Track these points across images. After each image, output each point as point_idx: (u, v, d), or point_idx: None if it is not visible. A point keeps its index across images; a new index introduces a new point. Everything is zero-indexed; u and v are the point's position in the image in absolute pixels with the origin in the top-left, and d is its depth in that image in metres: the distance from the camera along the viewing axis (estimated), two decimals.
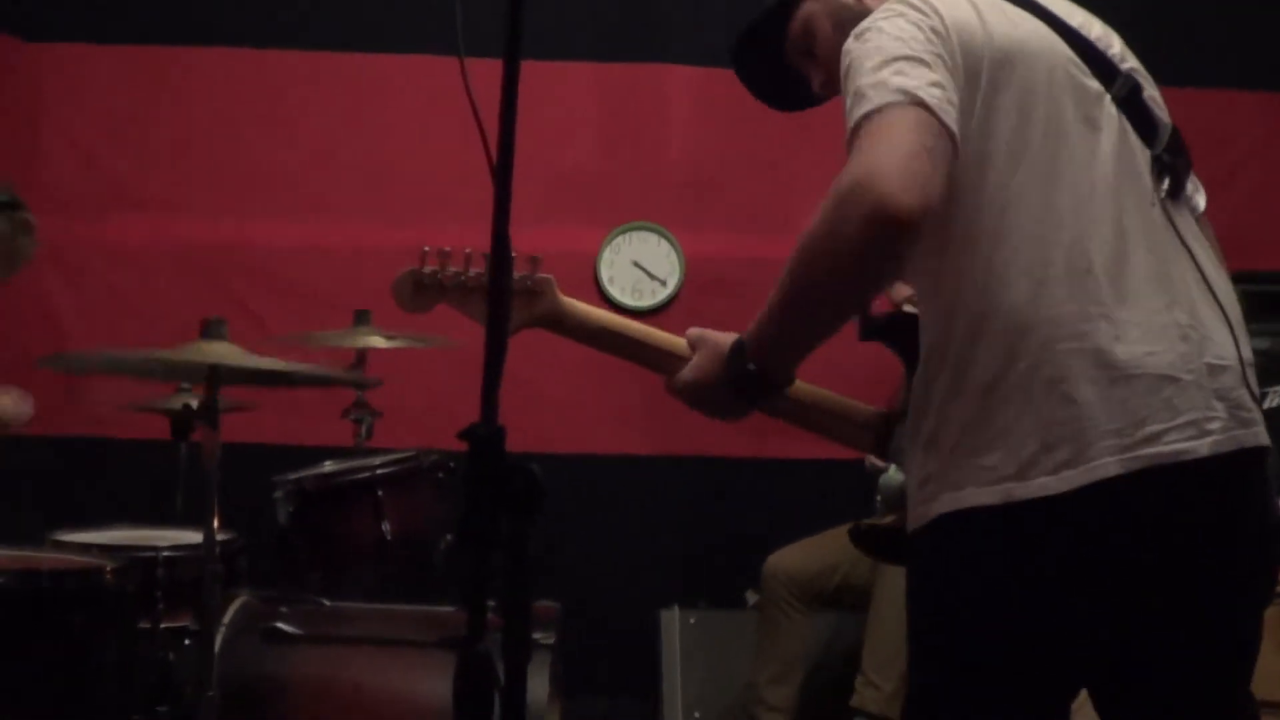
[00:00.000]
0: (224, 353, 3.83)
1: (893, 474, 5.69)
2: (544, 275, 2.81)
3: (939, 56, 2.32)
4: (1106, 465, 2.26)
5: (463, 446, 1.96)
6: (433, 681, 3.82)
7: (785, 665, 5.50)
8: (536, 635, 3.82)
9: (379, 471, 4.87)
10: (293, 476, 4.90)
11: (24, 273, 5.57)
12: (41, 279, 6.20)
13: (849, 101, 2.33)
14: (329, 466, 4.99)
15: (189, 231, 6.28)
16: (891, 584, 5.30)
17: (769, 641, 5.53)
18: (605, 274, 6.37)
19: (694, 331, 2.72)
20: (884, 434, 2.78)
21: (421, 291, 2.84)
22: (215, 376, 3.83)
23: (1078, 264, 2.33)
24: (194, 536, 4.24)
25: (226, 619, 4.03)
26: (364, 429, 5.24)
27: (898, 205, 2.13)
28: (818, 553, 5.59)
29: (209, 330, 3.86)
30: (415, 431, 5.32)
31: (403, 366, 5.28)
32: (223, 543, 4.19)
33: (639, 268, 6.40)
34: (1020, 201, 2.35)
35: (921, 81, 2.26)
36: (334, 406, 5.26)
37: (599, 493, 6.25)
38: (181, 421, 4.84)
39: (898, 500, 5.74)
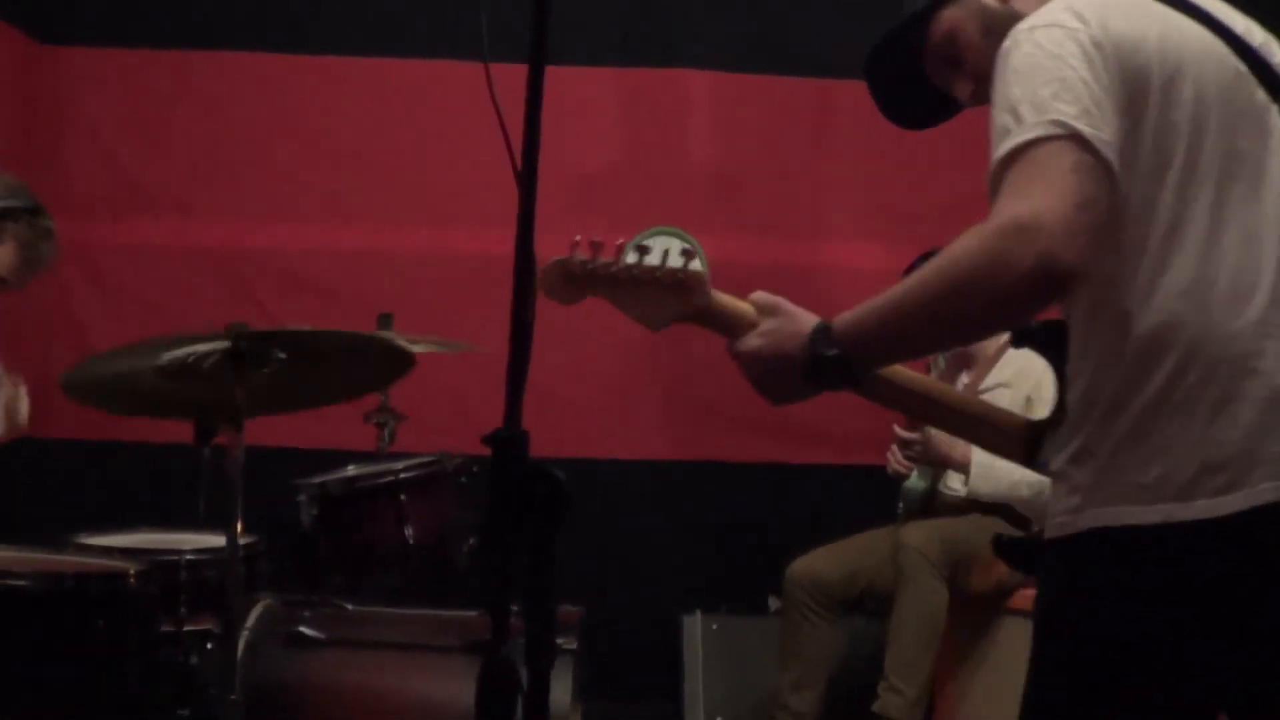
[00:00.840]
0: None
1: (915, 480, 5.69)
2: (696, 270, 2.68)
3: (1098, 77, 2.27)
4: (1269, 490, 2.23)
5: (486, 451, 1.96)
6: (455, 686, 3.81)
7: (808, 671, 5.49)
8: (559, 640, 3.81)
9: (402, 476, 4.87)
10: (316, 480, 4.91)
11: (47, 276, 5.60)
12: (63, 280, 6.22)
13: (1001, 118, 2.29)
14: (352, 470, 5.00)
15: (210, 234, 6.30)
16: (915, 590, 5.29)
17: (792, 647, 5.52)
18: None
19: (764, 296, 2.61)
20: (1034, 442, 2.68)
21: (571, 282, 2.69)
22: (239, 377, 3.83)
23: (1246, 282, 2.29)
24: (217, 540, 4.23)
25: (249, 623, 4.03)
26: (387, 433, 5.25)
27: (1061, 262, 2.13)
28: (841, 558, 5.58)
29: (233, 333, 3.85)
30: (438, 436, 5.32)
31: (426, 371, 5.27)
32: (246, 546, 4.19)
33: None
34: (1190, 219, 2.30)
35: (1078, 110, 2.22)
36: (357, 410, 5.27)
37: (622, 498, 6.25)
38: (205, 425, 4.85)
39: (918, 508, 5.77)
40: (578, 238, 2.66)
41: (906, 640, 5.30)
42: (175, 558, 4.28)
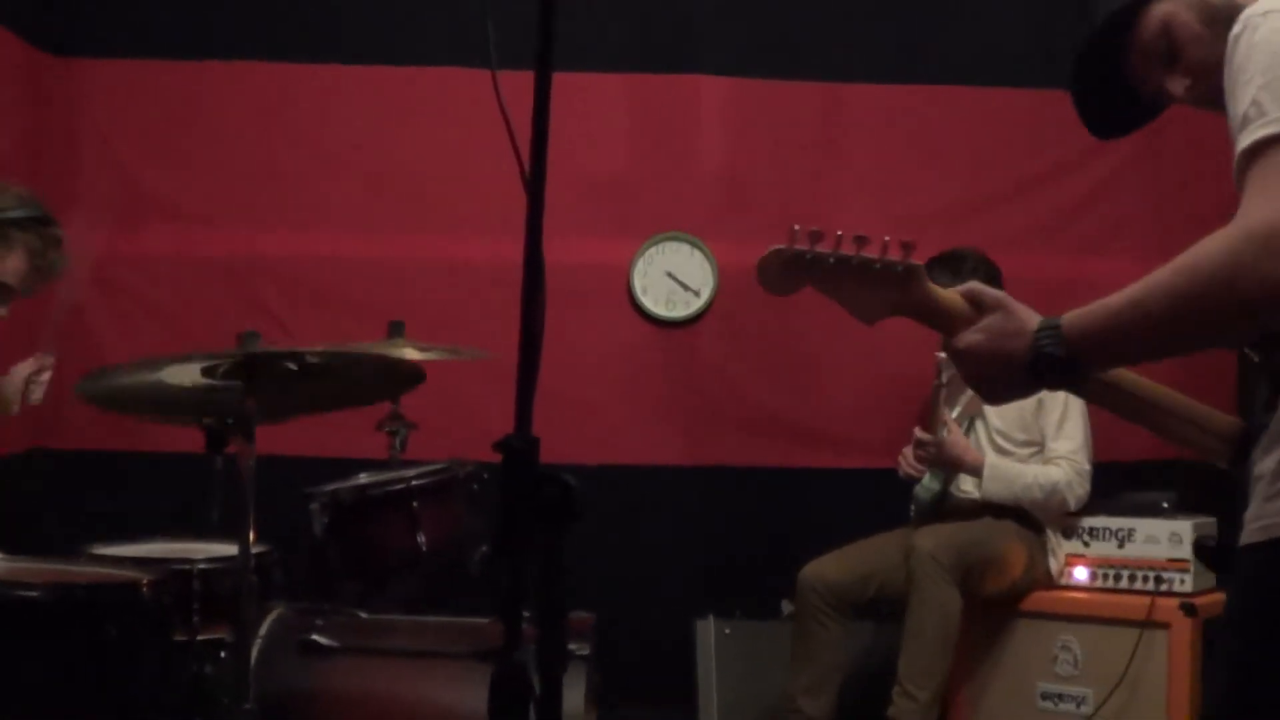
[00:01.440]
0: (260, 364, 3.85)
1: (927, 483, 5.69)
2: (913, 262, 2.56)
3: None
4: None
5: (497, 458, 1.96)
6: (468, 693, 3.82)
7: (821, 675, 5.48)
8: (572, 646, 3.81)
9: (414, 483, 4.88)
10: (328, 488, 4.92)
11: (57, 283, 5.61)
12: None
13: (1239, 106, 2.22)
14: (364, 478, 5.00)
15: (222, 244, 6.30)
16: (927, 594, 5.29)
17: (804, 651, 5.52)
18: (639, 284, 6.36)
19: (979, 289, 2.51)
20: (1243, 446, 2.57)
21: (789, 272, 2.61)
22: (251, 388, 3.84)
23: None
24: (230, 549, 4.24)
25: (262, 631, 4.03)
26: (398, 441, 5.25)
27: None
28: (853, 562, 5.58)
29: (244, 343, 3.86)
30: (449, 443, 5.32)
31: (437, 378, 5.27)
32: (258, 555, 4.19)
33: (672, 278, 6.39)
34: None
35: None
36: (368, 419, 5.27)
37: (634, 503, 6.25)
38: (217, 434, 4.85)
39: (930, 511, 5.79)
40: (795, 227, 2.58)
41: (920, 645, 5.30)
42: (188, 567, 4.29)
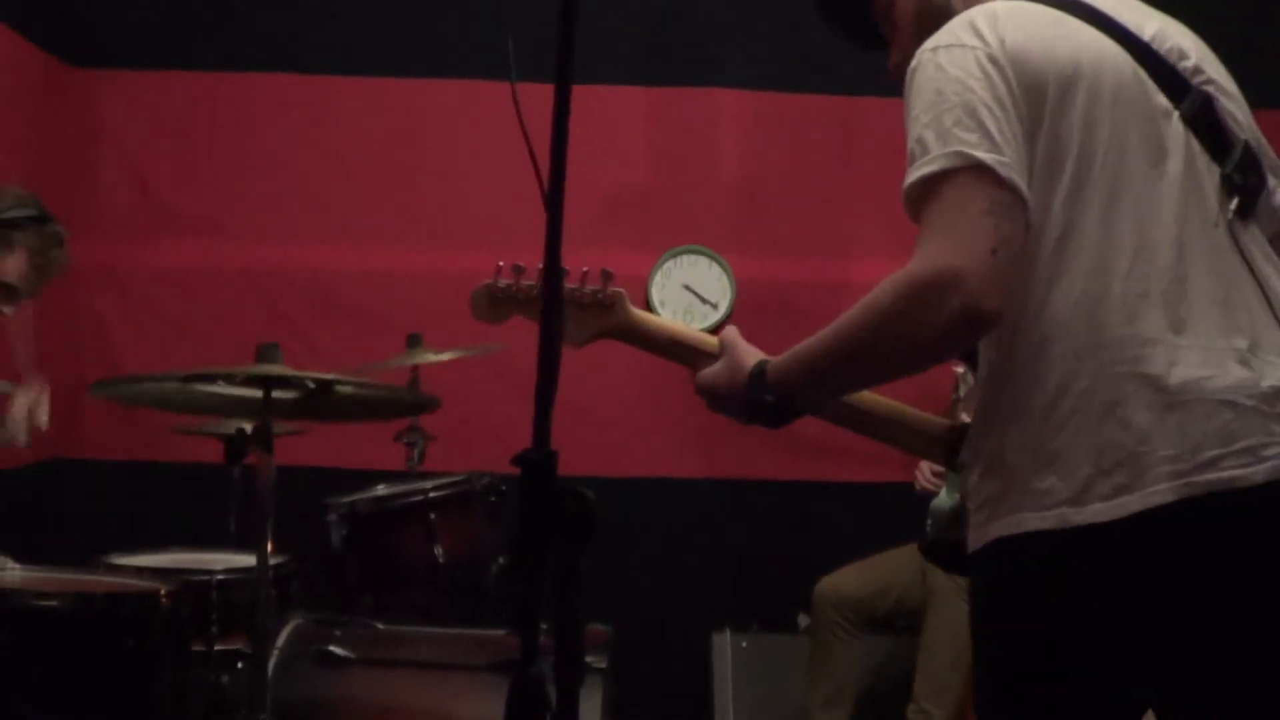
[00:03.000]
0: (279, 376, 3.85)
1: (944, 497, 5.66)
2: (616, 289, 2.90)
3: (999, 97, 2.31)
4: (1162, 491, 2.24)
5: (515, 470, 1.96)
6: (485, 705, 3.82)
7: (837, 689, 5.48)
8: (588, 659, 3.81)
9: (431, 495, 4.88)
10: (346, 500, 4.92)
11: (79, 298, 5.63)
12: (95, 302, 6.25)
13: (910, 142, 2.38)
14: (382, 490, 5.00)
15: (241, 255, 6.32)
16: (944, 609, 5.29)
17: (821, 665, 5.52)
18: (656, 297, 6.37)
19: (727, 335, 2.76)
20: (953, 447, 2.78)
21: (496, 304, 2.96)
22: (269, 401, 3.85)
23: (1134, 289, 2.31)
24: (248, 560, 4.25)
25: (280, 642, 4.05)
26: (416, 452, 5.26)
27: (980, 310, 2.22)
28: (869, 576, 5.58)
29: (263, 355, 3.87)
30: (467, 455, 5.33)
31: (456, 391, 5.28)
32: (276, 566, 4.21)
33: (690, 291, 6.39)
34: (1081, 227, 2.33)
35: (979, 137, 2.28)
36: (387, 430, 5.28)
37: (650, 516, 6.25)
38: (235, 445, 4.86)
39: (949, 523, 5.75)
40: (500, 263, 2.94)
41: (936, 662, 5.30)
42: (206, 578, 4.30)
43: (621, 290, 2.90)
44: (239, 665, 4.28)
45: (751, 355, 2.65)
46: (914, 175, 2.34)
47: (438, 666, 4.12)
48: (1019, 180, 2.27)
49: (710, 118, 6.49)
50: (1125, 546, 2.27)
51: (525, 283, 2.91)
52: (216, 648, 4.26)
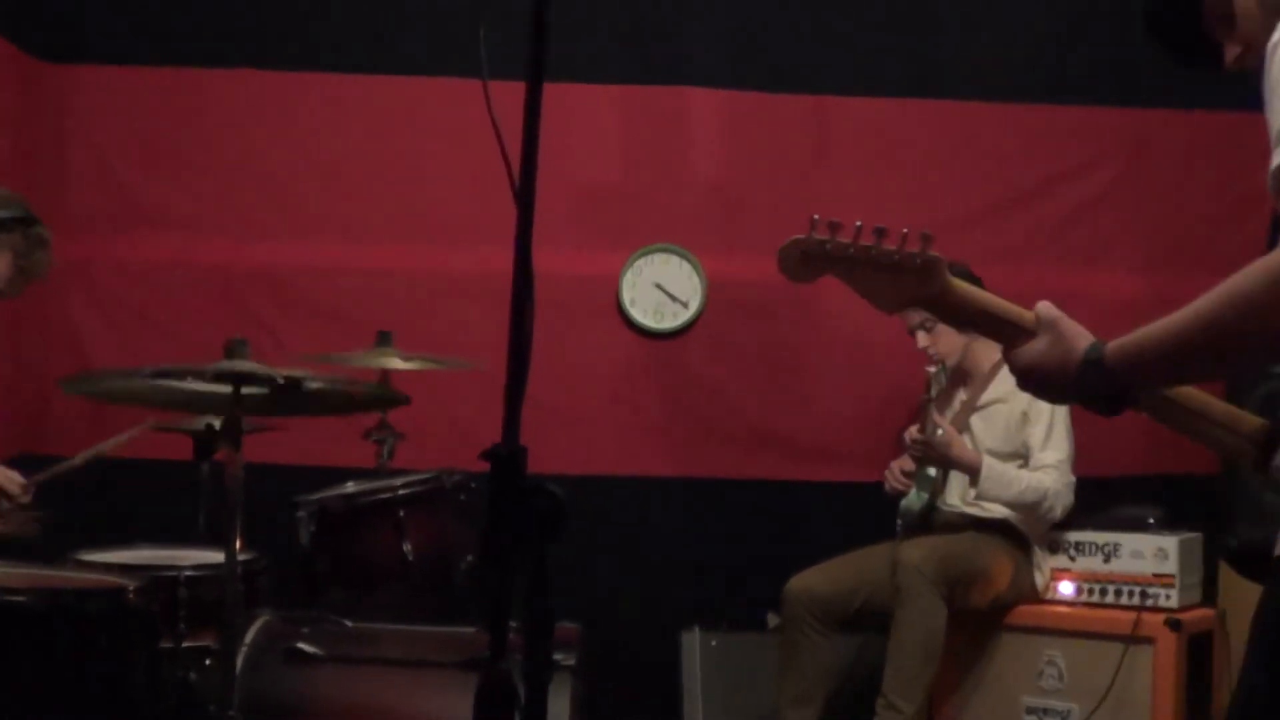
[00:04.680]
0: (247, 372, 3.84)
1: (913, 497, 5.70)
2: (934, 254, 2.68)
3: None
4: None
5: (485, 467, 1.96)
6: (454, 702, 3.81)
7: (807, 687, 5.49)
8: (557, 656, 3.81)
9: (401, 492, 4.88)
10: (315, 497, 4.91)
11: (48, 292, 5.61)
12: (65, 298, 6.22)
13: (1277, 123, 2.21)
14: (351, 487, 5.00)
15: (212, 252, 6.30)
16: (914, 605, 5.29)
17: (790, 663, 5.53)
18: (627, 295, 6.36)
19: (1046, 310, 2.54)
20: (1268, 448, 2.59)
21: (808, 261, 2.70)
22: (238, 397, 3.84)
23: None
24: (216, 556, 4.24)
25: (248, 639, 4.04)
26: (386, 450, 5.25)
27: None
28: (839, 575, 5.59)
29: (232, 351, 3.86)
30: (437, 452, 5.33)
31: (425, 387, 5.28)
32: (245, 563, 4.20)
33: (660, 289, 6.39)
34: None
35: None
36: (356, 427, 5.28)
37: (620, 514, 6.25)
38: (204, 441, 4.85)
39: (917, 525, 5.79)
40: (815, 217, 2.65)
41: (905, 658, 5.30)
42: (174, 574, 4.29)
43: (939, 255, 2.68)
44: (207, 662, 4.27)
45: (1082, 336, 2.45)
46: None
47: (407, 664, 4.11)
48: None
49: (682, 116, 6.49)
50: None
51: (841, 240, 2.68)
52: (185, 644, 4.25)
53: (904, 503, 5.71)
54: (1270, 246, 2.51)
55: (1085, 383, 2.39)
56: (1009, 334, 2.58)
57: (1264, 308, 2.12)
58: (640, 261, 6.40)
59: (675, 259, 6.40)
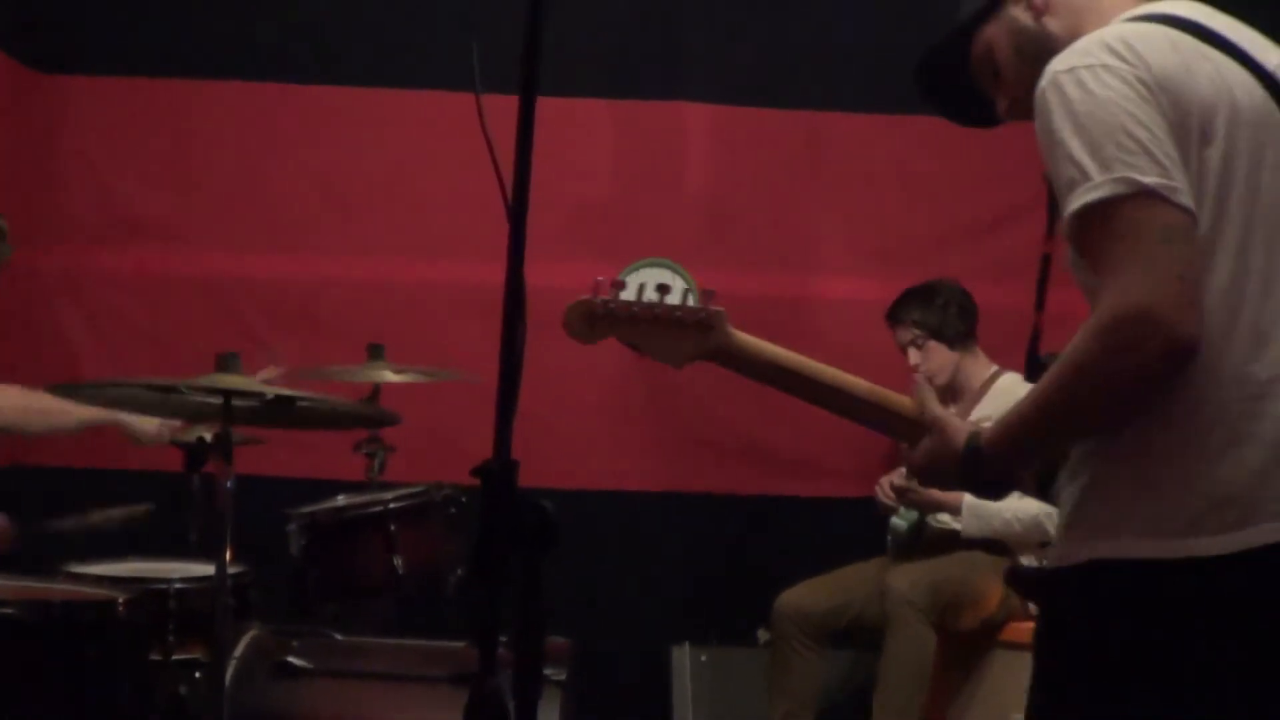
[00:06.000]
0: (239, 386, 3.84)
1: (904, 513, 5.69)
2: (716, 308, 2.77)
3: (1154, 120, 2.26)
4: (1270, 530, 2.23)
5: (475, 481, 1.96)
6: (443, 717, 3.80)
7: (797, 703, 5.49)
8: (547, 671, 3.81)
9: (391, 506, 4.87)
10: (305, 510, 4.91)
11: (38, 303, 5.61)
12: (56, 309, 6.22)
13: (1063, 168, 2.30)
14: (342, 500, 4.99)
15: (202, 263, 6.29)
16: (902, 637, 5.30)
17: (780, 679, 5.52)
18: None
19: (934, 413, 2.65)
20: (1047, 474, 2.67)
21: (593, 322, 2.77)
22: (229, 410, 3.83)
23: (1264, 326, 2.29)
24: (206, 569, 4.23)
25: (238, 652, 4.03)
26: (377, 463, 5.25)
27: (1183, 341, 2.18)
28: (829, 591, 5.59)
29: (223, 364, 3.86)
30: (428, 466, 5.32)
31: (416, 401, 5.27)
32: (235, 575, 4.19)
33: None
34: (1213, 261, 2.29)
35: (1147, 162, 2.22)
36: (347, 440, 5.27)
37: (611, 529, 6.24)
38: (195, 454, 4.84)
39: (906, 542, 5.78)
40: (599, 278, 2.73)
41: (894, 684, 5.30)
42: (164, 586, 4.28)
43: (721, 310, 2.78)
44: (197, 675, 4.26)
45: (962, 431, 2.56)
46: (1077, 203, 2.26)
47: (396, 678, 4.11)
48: (1188, 201, 2.23)
49: (675, 131, 6.49)
50: (1228, 581, 2.25)
51: (625, 299, 2.76)
52: (174, 657, 4.24)
53: (893, 521, 5.70)
54: (1038, 286, 2.91)
55: (969, 472, 2.51)
56: (809, 389, 2.83)
57: (1102, 367, 2.23)
58: (633, 276, 6.40)
59: (668, 274, 6.40)
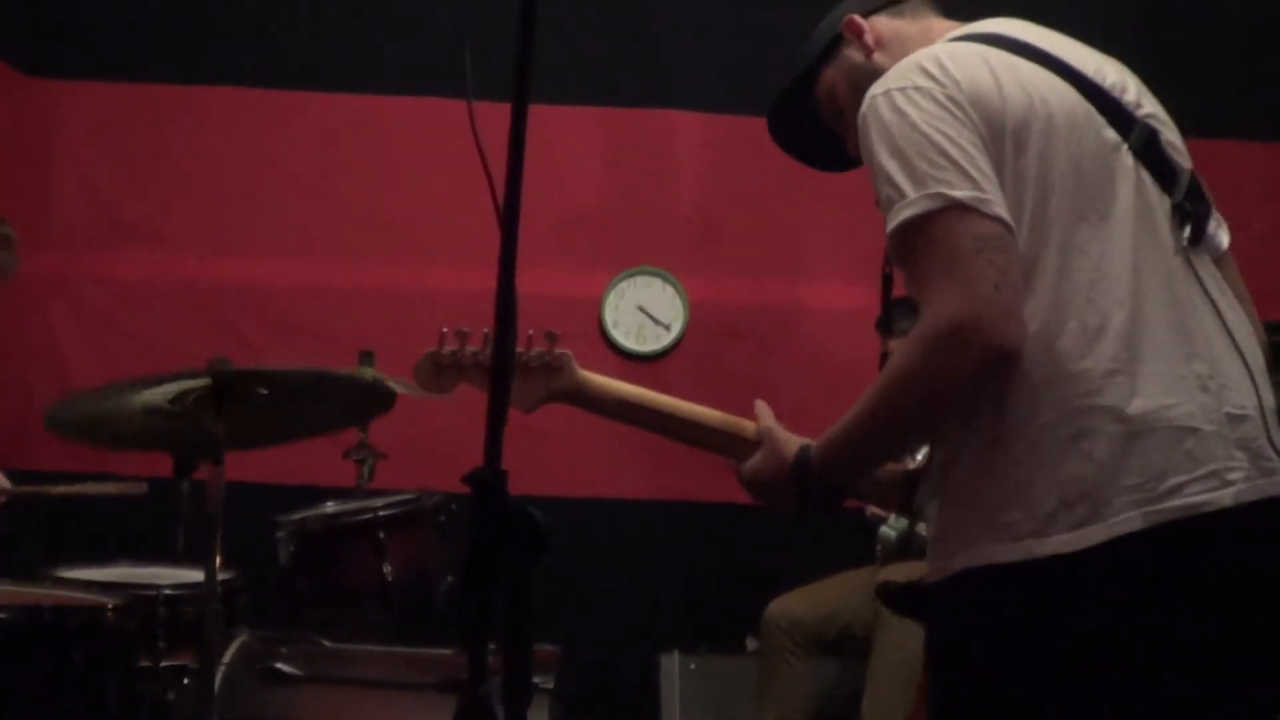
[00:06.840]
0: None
1: (893, 523, 5.69)
2: (562, 350, 2.86)
3: (964, 135, 2.34)
4: (1129, 520, 2.26)
5: (465, 489, 1.96)
6: None
7: (786, 711, 5.48)
8: (536, 679, 3.79)
9: (381, 513, 4.87)
10: (295, 516, 4.90)
11: (30, 308, 5.60)
12: (48, 314, 6.22)
13: (882, 188, 2.40)
14: (331, 507, 4.99)
15: (194, 269, 6.30)
16: (893, 634, 5.29)
17: (769, 688, 5.52)
18: (609, 318, 6.37)
19: (764, 425, 2.81)
20: (908, 490, 2.78)
21: (441, 372, 2.87)
22: (220, 413, 3.83)
23: (1093, 322, 2.33)
24: (195, 575, 4.23)
25: (226, 658, 4.02)
26: (366, 470, 5.25)
27: (1002, 348, 2.26)
28: (819, 599, 5.59)
29: (214, 369, 3.85)
30: (417, 473, 5.32)
31: (406, 408, 5.27)
32: (224, 582, 4.18)
33: (643, 312, 6.40)
34: (1039, 264, 2.35)
35: (957, 176, 2.31)
36: (337, 447, 5.26)
37: (600, 537, 6.24)
38: (185, 459, 4.83)
39: (896, 551, 5.79)
40: (444, 329, 2.83)
41: (884, 684, 5.30)
42: (153, 592, 4.27)
43: (568, 352, 2.89)
44: (185, 681, 4.25)
45: (792, 443, 2.68)
46: (894, 221, 2.36)
47: (385, 685, 4.10)
48: (1001, 211, 2.30)
49: (665, 139, 6.50)
50: (1092, 576, 2.28)
51: (471, 349, 2.86)
52: (163, 663, 4.24)
53: (882, 530, 5.70)
54: (882, 307, 2.96)
55: (800, 486, 2.61)
56: (656, 420, 2.98)
57: (921, 381, 2.31)
58: (623, 284, 6.41)
59: (658, 282, 6.41)
